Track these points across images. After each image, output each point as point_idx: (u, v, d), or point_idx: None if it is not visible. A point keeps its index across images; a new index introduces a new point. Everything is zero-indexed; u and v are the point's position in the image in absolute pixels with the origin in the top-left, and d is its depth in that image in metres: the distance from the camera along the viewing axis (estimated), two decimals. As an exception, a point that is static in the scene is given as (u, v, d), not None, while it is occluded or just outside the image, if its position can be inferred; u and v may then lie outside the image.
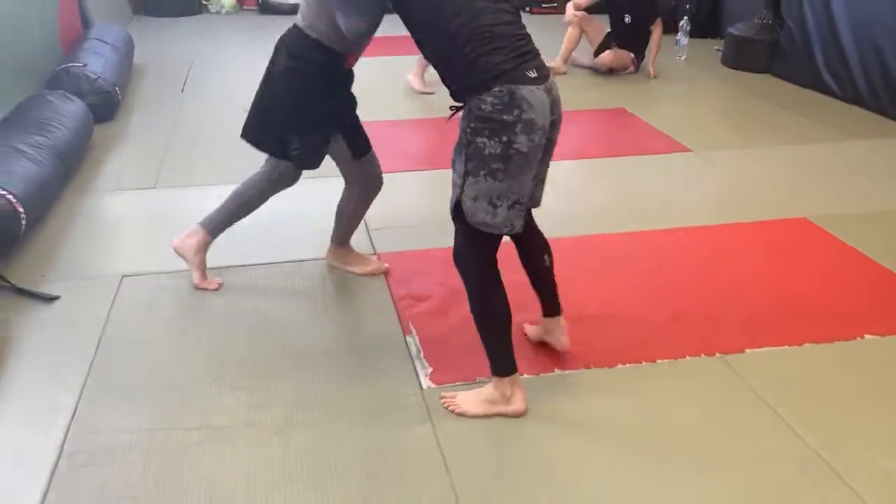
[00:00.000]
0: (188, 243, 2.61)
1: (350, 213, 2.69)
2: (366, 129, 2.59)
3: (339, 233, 2.74)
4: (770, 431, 1.99)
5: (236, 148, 4.00)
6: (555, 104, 1.89)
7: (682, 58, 6.18)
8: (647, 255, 2.95)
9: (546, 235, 2.22)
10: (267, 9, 8.08)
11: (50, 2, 4.82)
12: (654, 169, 3.90)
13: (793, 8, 5.39)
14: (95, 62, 4.56)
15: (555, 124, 1.91)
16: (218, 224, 2.60)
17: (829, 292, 2.69)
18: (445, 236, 2.12)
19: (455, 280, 2.05)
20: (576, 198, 3.51)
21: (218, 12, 8.17)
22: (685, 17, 6.24)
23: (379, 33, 2.25)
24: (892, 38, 4.56)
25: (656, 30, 5.58)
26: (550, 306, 2.24)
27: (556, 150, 2.01)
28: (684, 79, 5.71)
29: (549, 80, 1.87)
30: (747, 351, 2.33)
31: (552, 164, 2.04)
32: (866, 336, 2.41)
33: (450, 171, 1.93)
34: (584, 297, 2.58)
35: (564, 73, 5.57)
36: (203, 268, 2.63)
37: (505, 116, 1.77)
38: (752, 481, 1.82)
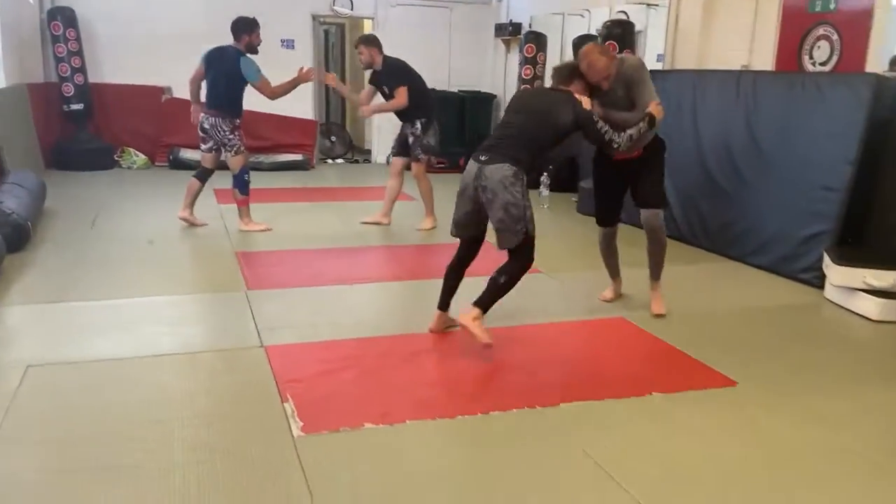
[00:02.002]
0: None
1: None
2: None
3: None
4: (565, 456, 2.53)
5: (138, 271, 4.54)
6: (481, 176, 3.28)
7: (545, 206, 7.23)
8: (503, 342, 3.56)
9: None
10: (177, 164, 8.79)
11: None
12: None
13: (627, 165, 6.56)
14: (10, 201, 5.01)
15: (480, 189, 3.29)
16: None
17: (632, 365, 3.36)
18: (322, 334, 3.05)
19: (325, 364, 2.78)
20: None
21: (129, 167, 8.81)
22: (545, 174, 7.37)
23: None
24: (701, 189, 5.67)
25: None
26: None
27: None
28: (544, 221, 6.66)
29: (488, 164, 3.28)
30: (561, 405, 2.90)
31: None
32: (654, 393, 3.04)
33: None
34: (459, 370, 3.15)
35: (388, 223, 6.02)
36: None
37: None
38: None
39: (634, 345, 3.66)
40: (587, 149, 7.57)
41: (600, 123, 3.48)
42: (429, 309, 3.92)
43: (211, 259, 4.94)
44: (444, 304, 3.63)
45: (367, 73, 5.95)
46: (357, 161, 10.49)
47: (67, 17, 8.20)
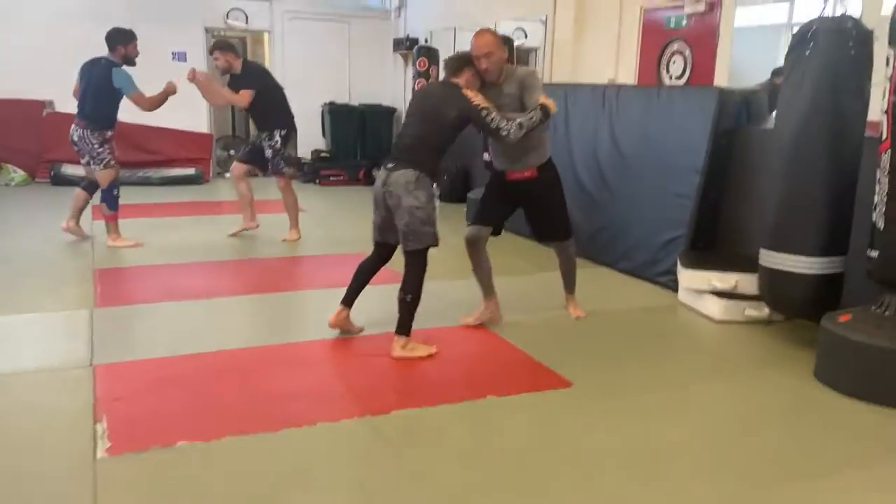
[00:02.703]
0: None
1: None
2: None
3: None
4: (379, 463, 2.52)
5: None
6: (387, 182, 3.40)
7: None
8: (355, 352, 3.55)
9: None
10: (59, 180, 8.43)
11: None
12: (384, 293, 4.58)
13: (510, 176, 6.70)
14: None
15: (387, 194, 3.42)
16: None
17: (476, 370, 3.42)
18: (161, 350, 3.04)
19: (153, 382, 2.76)
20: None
21: (7, 184, 8.39)
22: (433, 184, 7.42)
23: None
24: (573, 198, 5.76)
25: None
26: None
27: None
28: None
29: (394, 170, 3.39)
30: (393, 412, 2.90)
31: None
32: (489, 396, 3.08)
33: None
34: (298, 382, 3.10)
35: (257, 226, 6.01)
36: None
37: None
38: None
39: (485, 350, 3.70)
40: (480, 160, 7.80)
41: (487, 112, 3.45)
42: (279, 321, 3.87)
43: (67, 277, 4.73)
44: (346, 300, 3.72)
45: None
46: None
47: (-67, 28, 7.78)
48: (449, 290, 4.69)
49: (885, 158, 3.08)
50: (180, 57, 9.47)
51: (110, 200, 5.41)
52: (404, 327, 3.50)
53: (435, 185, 3.49)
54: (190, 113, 9.49)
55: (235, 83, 5.65)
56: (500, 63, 3.71)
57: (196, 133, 9.51)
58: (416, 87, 8.53)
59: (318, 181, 9.53)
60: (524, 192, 3.91)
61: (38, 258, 5.11)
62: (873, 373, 3.06)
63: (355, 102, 10.29)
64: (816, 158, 3.43)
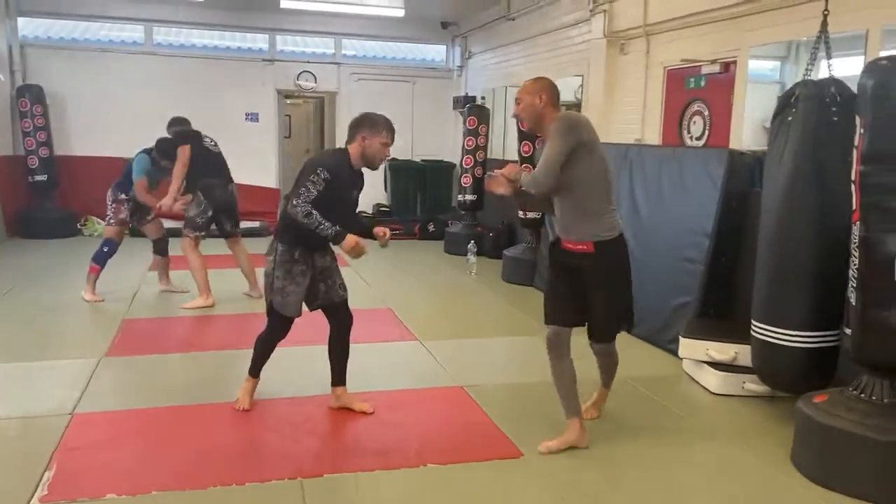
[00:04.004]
0: None
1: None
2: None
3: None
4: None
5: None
6: None
7: (472, 273, 7.30)
8: (318, 410, 3.61)
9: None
10: (137, 232, 9.08)
11: None
12: (379, 352, 4.66)
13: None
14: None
15: None
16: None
17: (428, 435, 3.35)
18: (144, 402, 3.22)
19: (116, 433, 2.94)
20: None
21: (91, 235, 9.17)
22: (472, 241, 7.48)
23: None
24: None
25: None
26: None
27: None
28: (465, 287, 6.76)
29: None
30: (325, 476, 2.93)
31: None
32: (429, 465, 3.04)
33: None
34: (254, 439, 3.20)
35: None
36: None
37: None
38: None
39: (449, 415, 3.66)
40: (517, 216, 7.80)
41: (304, 187, 3.20)
42: (275, 377, 3.89)
43: (97, 325, 5.10)
44: (334, 380, 3.61)
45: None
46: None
47: (35, 95, 8.75)
48: (445, 351, 4.69)
49: (856, 230, 2.86)
50: (253, 118, 10.15)
51: (97, 254, 5.67)
52: (250, 368, 3.62)
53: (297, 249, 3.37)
54: (261, 169, 10.14)
55: None
56: (529, 110, 3.10)
57: (264, 188, 10.08)
58: (465, 145, 8.71)
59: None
60: (576, 267, 3.14)
61: (80, 307, 5.54)
62: (840, 459, 2.79)
63: (416, 158, 10.60)
64: (800, 229, 3.23)
